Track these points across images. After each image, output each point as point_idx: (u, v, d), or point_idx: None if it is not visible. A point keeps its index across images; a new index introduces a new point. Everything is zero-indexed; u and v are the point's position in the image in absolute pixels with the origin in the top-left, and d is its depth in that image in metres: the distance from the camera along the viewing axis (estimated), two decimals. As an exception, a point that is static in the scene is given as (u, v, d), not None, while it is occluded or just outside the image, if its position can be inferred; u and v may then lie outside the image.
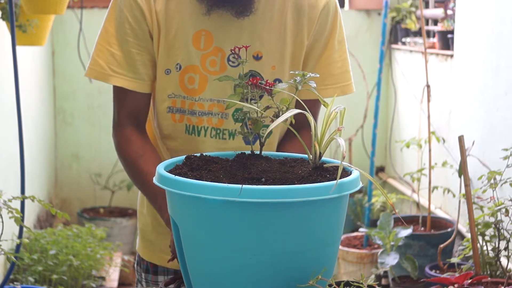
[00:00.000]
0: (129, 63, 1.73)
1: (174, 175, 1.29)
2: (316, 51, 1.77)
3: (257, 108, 1.37)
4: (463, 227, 3.69)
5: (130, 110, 1.76)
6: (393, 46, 5.17)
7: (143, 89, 1.75)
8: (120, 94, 1.77)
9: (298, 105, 1.40)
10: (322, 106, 1.71)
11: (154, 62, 1.75)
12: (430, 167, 3.95)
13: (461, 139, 2.53)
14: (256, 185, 1.25)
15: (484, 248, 2.63)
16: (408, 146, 4.23)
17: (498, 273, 2.57)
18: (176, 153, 1.76)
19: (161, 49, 1.73)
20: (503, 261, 2.61)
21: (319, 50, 1.77)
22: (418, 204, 4.42)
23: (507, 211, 2.47)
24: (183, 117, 1.76)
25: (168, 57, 1.72)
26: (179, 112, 1.76)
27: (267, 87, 1.37)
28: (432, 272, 3.37)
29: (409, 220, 4.06)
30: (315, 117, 1.75)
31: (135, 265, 1.98)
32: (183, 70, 1.72)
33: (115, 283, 3.82)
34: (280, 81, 1.74)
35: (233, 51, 1.47)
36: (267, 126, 1.52)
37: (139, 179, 1.73)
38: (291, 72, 1.74)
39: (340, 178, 1.25)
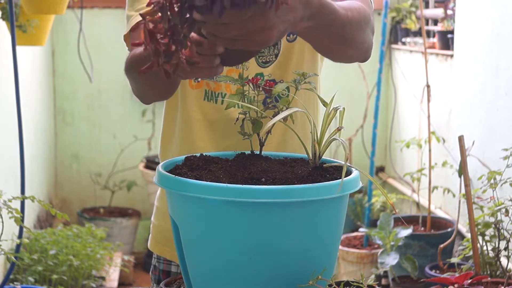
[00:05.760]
0: None
1: (174, 175, 1.29)
2: None
3: (256, 108, 1.37)
4: (463, 227, 3.69)
5: None
6: (393, 46, 5.17)
7: None
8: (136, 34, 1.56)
9: None
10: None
11: None
12: (430, 167, 3.95)
13: (461, 139, 2.54)
14: (256, 185, 1.25)
15: (484, 248, 2.63)
16: (408, 146, 4.23)
17: (498, 273, 2.57)
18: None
19: None
20: (503, 261, 2.61)
21: None
22: (418, 204, 4.42)
23: (507, 211, 2.47)
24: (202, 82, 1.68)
25: None
26: None
27: (267, 87, 1.37)
28: (432, 272, 3.37)
29: (409, 220, 4.06)
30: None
31: (150, 273, 1.90)
32: None
33: (115, 283, 3.82)
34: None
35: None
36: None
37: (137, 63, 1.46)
38: (291, 72, 1.70)
39: (339, 178, 1.25)
